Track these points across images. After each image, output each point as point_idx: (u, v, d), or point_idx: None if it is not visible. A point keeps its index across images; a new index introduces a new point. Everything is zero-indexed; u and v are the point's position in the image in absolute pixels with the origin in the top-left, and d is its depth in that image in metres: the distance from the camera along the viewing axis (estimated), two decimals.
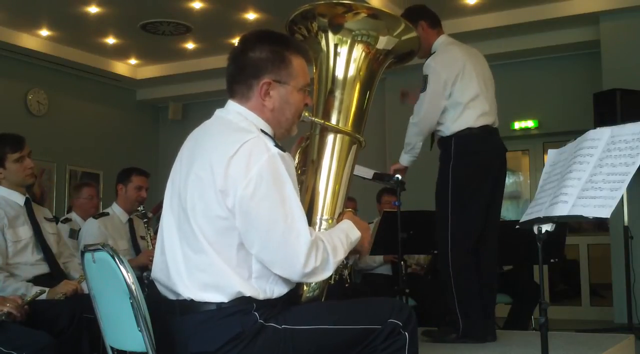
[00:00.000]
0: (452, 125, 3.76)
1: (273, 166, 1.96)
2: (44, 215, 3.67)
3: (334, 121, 2.41)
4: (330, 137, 2.40)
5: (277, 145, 2.02)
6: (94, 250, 2.08)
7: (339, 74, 2.44)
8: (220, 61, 8.26)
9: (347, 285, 4.37)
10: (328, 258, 2.00)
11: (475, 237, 3.73)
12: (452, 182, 3.73)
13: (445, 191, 3.75)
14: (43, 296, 3.22)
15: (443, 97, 3.73)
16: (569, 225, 5.98)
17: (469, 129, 3.74)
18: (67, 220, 5.03)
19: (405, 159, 3.91)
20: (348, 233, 2.15)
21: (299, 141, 2.51)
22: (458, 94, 3.73)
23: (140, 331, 1.96)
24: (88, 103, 9.18)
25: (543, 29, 7.42)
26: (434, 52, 3.84)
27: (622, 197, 2.36)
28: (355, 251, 2.26)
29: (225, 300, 1.96)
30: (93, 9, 7.14)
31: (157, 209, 4.21)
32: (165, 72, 9.19)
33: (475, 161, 3.75)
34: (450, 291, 3.71)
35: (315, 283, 2.27)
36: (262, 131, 2.08)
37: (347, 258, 2.23)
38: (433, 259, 5.74)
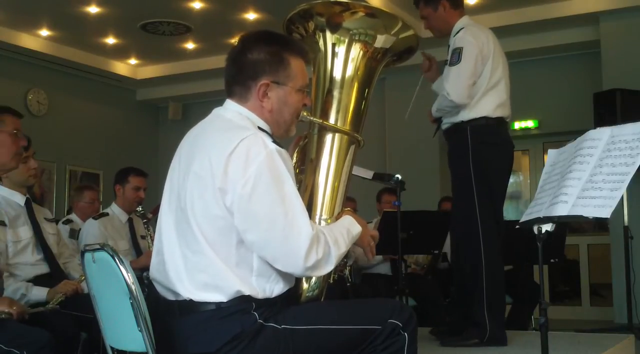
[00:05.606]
0: (469, 111, 3.56)
1: (271, 162, 1.95)
2: (44, 215, 3.67)
3: (332, 120, 2.41)
4: (328, 137, 2.39)
5: (274, 141, 2.01)
6: (94, 250, 2.07)
7: (337, 73, 2.44)
8: (220, 61, 8.17)
9: (348, 284, 4.39)
10: (330, 251, 1.99)
11: (500, 233, 3.57)
12: (475, 176, 3.53)
13: (469, 185, 3.53)
14: (43, 296, 3.24)
15: (477, 72, 3.53)
16: (569, 225, 5.98)
17: (485, 118, 3.56)
18: (68, 221, 5.02)
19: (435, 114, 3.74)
20: (349, 228, 2.13)
21: (297, 140, 2.50)
22: (486, 73, 3.56)
23: (140, 331, 1.95)
24: (88, 103, 9.17)
25: (543, 29, 7.41)
26: (458, 32, 3.63)
27: (622, 197, 2.36)
28: (362, 255, 2.24)
29: (225, 299, 1.95)
30: (93, 9, 7.14)
31: (157, 211, 4.18)
32: (165, 72, 9.18)
33: (495, 153, 3.58)
34: (479, 293, 3.47)
35: (315, 282, 2.27)
36: (260, 128, 2.08)
37: (347, 258, 2.23)
38: (433, 259, 5.75)
